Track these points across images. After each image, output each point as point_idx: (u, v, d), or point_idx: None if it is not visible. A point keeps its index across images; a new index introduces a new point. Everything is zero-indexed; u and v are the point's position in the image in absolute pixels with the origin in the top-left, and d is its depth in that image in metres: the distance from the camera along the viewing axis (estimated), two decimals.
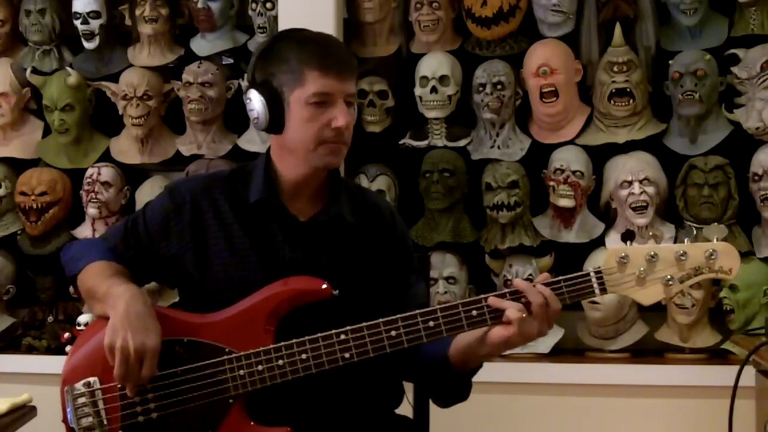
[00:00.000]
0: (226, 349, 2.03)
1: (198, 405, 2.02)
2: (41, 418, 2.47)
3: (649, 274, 1.97)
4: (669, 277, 1.97)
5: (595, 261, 3.41)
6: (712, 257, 1.96)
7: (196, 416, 2.02)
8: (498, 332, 1.98)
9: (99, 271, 2.13)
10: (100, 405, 2.05)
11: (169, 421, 2.03)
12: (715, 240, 1.97)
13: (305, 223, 2.14)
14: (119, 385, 2.02)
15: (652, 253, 1.97)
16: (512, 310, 1.96)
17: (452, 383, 2.14)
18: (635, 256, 1.97)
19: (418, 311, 2.00)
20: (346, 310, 2.05)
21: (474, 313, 1.99)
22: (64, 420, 2.08)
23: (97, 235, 3.64)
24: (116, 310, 1.99)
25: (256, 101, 2.11)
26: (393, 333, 1.99)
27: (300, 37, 2.13)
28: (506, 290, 2.02)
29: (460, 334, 2.05)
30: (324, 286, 2.03)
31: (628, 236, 2.00)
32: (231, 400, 2.02)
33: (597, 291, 1.98)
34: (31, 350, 3.74)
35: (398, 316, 2.00)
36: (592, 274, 1.98)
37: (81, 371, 2.08)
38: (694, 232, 1.99)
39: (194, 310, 2.11)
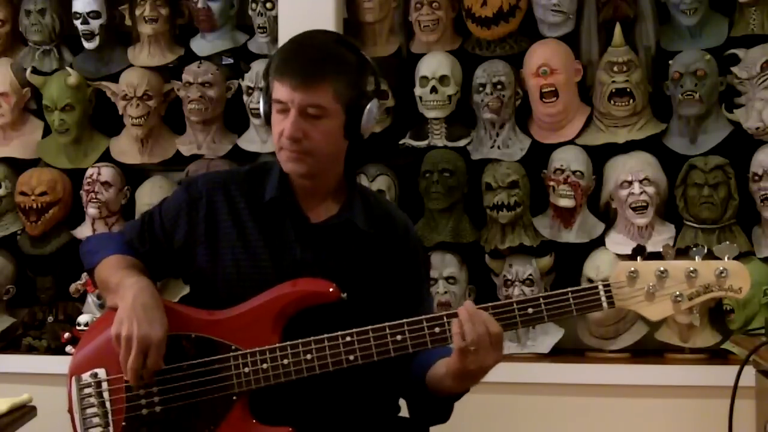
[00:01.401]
0: (233, 347, 2.04)
1: (201, 400, 2.03)
2: (41, 418, 2.47)
3: (659, 290, 1.97)
4: (678, 293, 1.96)
5: (595, 261, 3.41)
6: (723, 275, 1.96)
7: (199, 411, 2.03)
8: (453, 363, 1.99)
9: (113, 264, 2.15)
10: (105, 396, 2.07)
11: (172, 416, 2.04)
12: (726, 259, 1.97)
13: (317, 225, 2.15)
14: (125, 377, 2.03)
15: (662, 269, 1.96)
16: (456, 337, 1.95)
17: (429, 404, 2.13)
18: (645, 272, 1.97)
19: (424, 317, 2.01)
20: (354, 314, 2.06)
21: None
22: (70, 410, 2.09)
23: None
24: (125, 301, 2.02)
25: (261, 102, 2.16)
26: (398, 337, 2.00)
27: (290, 42, 2.14)
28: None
29: (434, 370, 2.06)
30: (332, 288, 2.04)
31: (638, 252, 1.99)
32: (234, 397, 2.03)
33: (605, 305, 1.98)
34: (31, 350, 3.74)
35: (404, 320, 2.00)
36: (600, 287, 1.98)
37: (89, 362, 2.09)
38: (705, 250, 1.98)
39: (204, 305, 2.12)
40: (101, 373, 2.07)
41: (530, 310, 1.98)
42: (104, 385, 2.07)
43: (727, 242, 2.03)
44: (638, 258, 1.99)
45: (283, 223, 2.14)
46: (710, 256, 1.99)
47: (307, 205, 2.15)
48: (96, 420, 2.06)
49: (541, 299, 1.99)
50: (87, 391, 2.07)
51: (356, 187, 2.22)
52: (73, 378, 2.09)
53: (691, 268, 1.96)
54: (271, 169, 2.19)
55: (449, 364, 2.00)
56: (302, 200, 2.15)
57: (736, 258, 1.99)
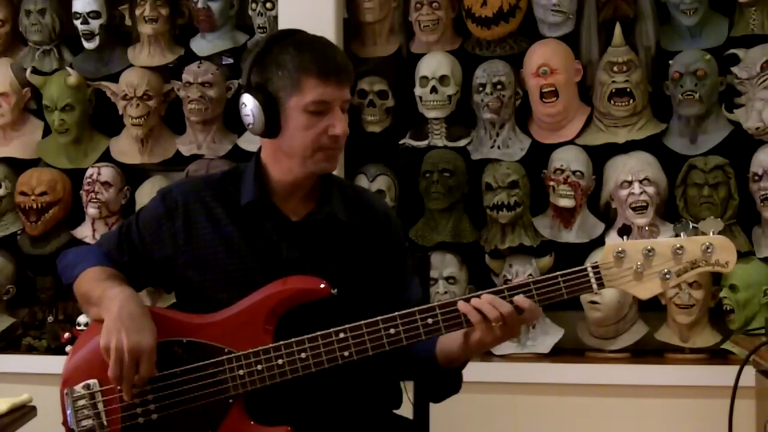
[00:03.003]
0: (226, 349, 2.03)
1: (198, 405, 2.02)
2: (41, 418, 2.47)
3: (647, 268, 1.97)
4: (666, 271, 1.97)
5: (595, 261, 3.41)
6: (709, 250, 1.96)
7: (196, 416, 2.02)
8: (473, 335, 2.00)
9: (94, 276, 2.14)
10: (100, 407, 2.05)
11: (169, 422, 2.03)
12: (711, 234, 1.98)
13: (298, 223, 2.14)
14: (119, 387, 2.02)
15: (649, 247, 1.97)
16: (473, 314, 1.97)
17: (442, 379, 2.15)
18: (632, 251, 1.98)
19: (416, 308, 2.01)
20: (345, 308, 2.06)
21: None
22: (64, 423, 2.09)
23: (97, 236, 3.66)
24: (110, 311, 2.00)
25: (251, 106, 2.09)
26: (392, 331, 2.00)
27: (297, 41, 2.10)
28: (502, 287, 2.02)
29: (441, 338, 2.07)
30: (322, 285, 2.04)
31: (624, 231, 2.01)
32: (231, 400, 2.02)
33: (594, 286, 1.99)
34: (31, 350, 3.74)
35: (397, 313, 2.01)
36: (589, 269, 1.99)
37: (80, 373, 2.08)
38: (691, 226, 1.98)
39: (192, 312, 2.11)
40: (94, 384, 2.06)
41: (521, 296, 1.98)
42: (98, 396, 2.06)
43: (711, 217, 2.04)
44: (625, 238, 1.99)
45: (263, 225, 2.13)
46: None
47: (284, 205, 2.15)
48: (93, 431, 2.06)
49: (531, 284, 1.99)
50: (81, 403, 2.06)
51: (332, 181, 2.21)
52: (66, 391, 2.08)
53: (678, 245, 1.96)
54: (243, 173, 2.18)
55: (472, 336, 2.00)
56: (280, 200, 2.15)
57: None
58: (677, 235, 1.98)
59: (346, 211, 2.18)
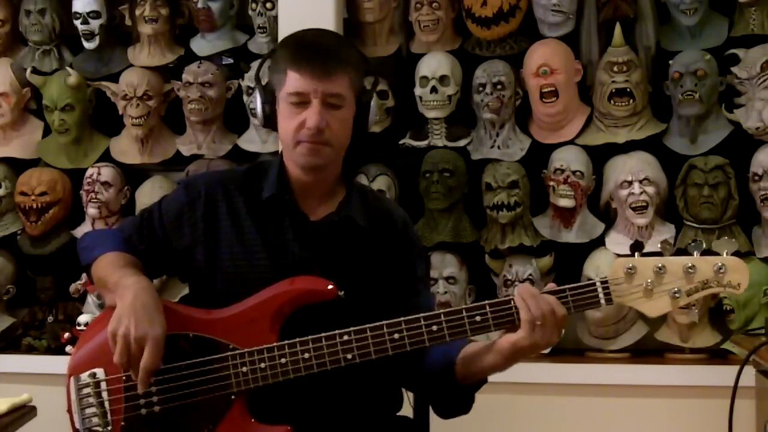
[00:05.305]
0: (230, 346, 2.03)
1: (200, 400, 2.02)
2: (41, 418, 2.47)
3: (657, 286, 1.96)
4: (676, 289, 1.95)
5: (595, 261, 3.41)
6: (721, 271, 1.94)
7: (197, 411, 2.03)
8: (507, 337, 1.98)
9: (111, 262, 2.15)
10: (104, 396, 2.06)
11: (170, 415, 2.03)
12: (724, 254, 1.96)
13: (316, 223, 2.15)
14: (124, 377, 2.03)
15: (660, 265, 1.95)
16: (525, 311, 1.95)
17: (455, 395, 2.14)
18: (643, 268, 1.96)
19: (422, 315, 2.00)
20: (352, 311, 2.06)
21: (477, 318, 1.99)
22: (69, 410, 2.09)
23: None
24: (124, 299, 2.01)
25: (256, 99, 2.17)
26: (396, 336, 2.00)
27: (295, 37, 2.15)
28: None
29: (468, 346, 2.06)
30: (330, 287, 2.04)
31: (636, 247, 1.98)
32: (233, 396, 2.03)
33: (603, 301, 1.97)
34: (31, 350, 3.74)
35: (402, 319, 2.00)
36: (598, 284, 1.97)
37: (88, 362, 2.09)
38: (704, 245, 1.96)
39: (203, 304, 2.12)
40: (100, 373, 2.07)
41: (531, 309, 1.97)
42: (103, 385, 2.07)
43: (726, 237, 2.02)
44: (636, 254, 1.98)
45: (281, 222, 2.14)
46: (708, 252, 1.98)
47: (304, 204, 2.16)
48: (95, 420, 2.06)
49: None
50: (86, 391, 2.07)
51: (354, 185, 2.22)
52: (72, 378, 2.09)
53: (690, 264, 1.95)
54: (268, 168, 2.20)
55: (509, 338, 1.97)
56: (300, 198, 2.16)
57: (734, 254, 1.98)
58: (690, 254, 1.96)
59: (364, 216, 2.18)
